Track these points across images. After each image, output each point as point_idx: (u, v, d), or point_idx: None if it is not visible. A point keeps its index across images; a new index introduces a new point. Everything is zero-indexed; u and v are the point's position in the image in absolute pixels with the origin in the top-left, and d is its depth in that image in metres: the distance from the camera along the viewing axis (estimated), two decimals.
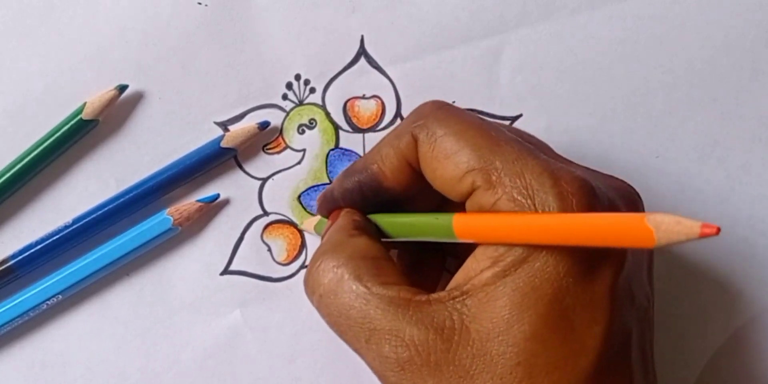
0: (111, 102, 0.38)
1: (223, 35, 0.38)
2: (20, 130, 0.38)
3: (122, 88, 0.38)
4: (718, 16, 0.39)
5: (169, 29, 0.38)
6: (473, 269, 0.28)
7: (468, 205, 0.29)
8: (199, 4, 0.38)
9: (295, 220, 0.39)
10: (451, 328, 0.28)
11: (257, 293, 0.38)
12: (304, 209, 0.39)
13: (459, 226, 0.29)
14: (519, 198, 0.27)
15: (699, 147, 0.39)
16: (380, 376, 0.29)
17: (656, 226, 0.23)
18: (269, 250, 0.39)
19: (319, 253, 0.31)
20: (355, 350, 0.30)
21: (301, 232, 0.39)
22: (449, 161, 0.29)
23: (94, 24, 0.38)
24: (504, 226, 0.27)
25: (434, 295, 0.28)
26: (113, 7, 0.38)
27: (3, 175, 0.37)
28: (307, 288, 0.31)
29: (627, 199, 0.31)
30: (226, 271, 0.38)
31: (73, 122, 0.37)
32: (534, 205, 0.27)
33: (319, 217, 0.37)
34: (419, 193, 0.32)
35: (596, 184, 0.28)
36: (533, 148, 0.29)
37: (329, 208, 0.34)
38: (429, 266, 0.37)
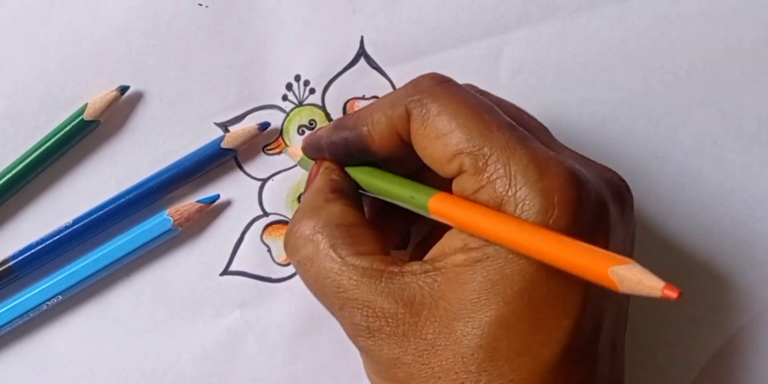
0: (112, 103, 0.38)
1: (223, 36, 0.39)
2: (21, 130, 0.38)
3: (123, 89, 0.38)
4: (718, 17, 0.39)
5: (170, 30, 0.38)
6: (448, 246, 0.29)
7: (453, 185, 0.29)
8: (200, 5, 0.38)
9: None
10: (421, 302, 0.28)
11: (257, 294, 0.38)
12: None
13: (435, 210, 0.29)
14: (500, 190, 0.27)
15: (699, 147, 0.39)
16: (352, 340, 0.30)
17: (620, 280, 0.24)
18: (269, 250, 0.39)
19: (298, 217, 0.31)
20: (330, 313, 0.31)
21: None
22: (439, 141, 0.29)
23: (95, 25, 0.38)
24: (476, 223, 0.27)
25: (407, 267, 0.29)
26: (114, 7, 0.38)
27: (4, 175, 0.37)
28: (287, 251, 0.32)
29: (615, 193, 0.30)
30: (225, 272, 0.38)
31: (74, 123, 0.37)
32: (515, 198, 0.27)
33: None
34: (405, 157, 0.32)
35: (585, 175, 0.28)
36: (526, 134, 0.29)
37: (314, 154, 0.35)
38: (397, 218, 0.36)
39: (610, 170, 0.32)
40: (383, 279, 0.29)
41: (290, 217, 0.39)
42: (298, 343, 0.38)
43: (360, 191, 0.33)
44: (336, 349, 0.38)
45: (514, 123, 0.29)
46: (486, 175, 0.28)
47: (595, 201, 0.28)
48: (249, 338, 0.38)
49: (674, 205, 0.39)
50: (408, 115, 0.30)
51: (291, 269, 0.39)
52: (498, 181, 0.27)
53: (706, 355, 0.39)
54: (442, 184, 0.30)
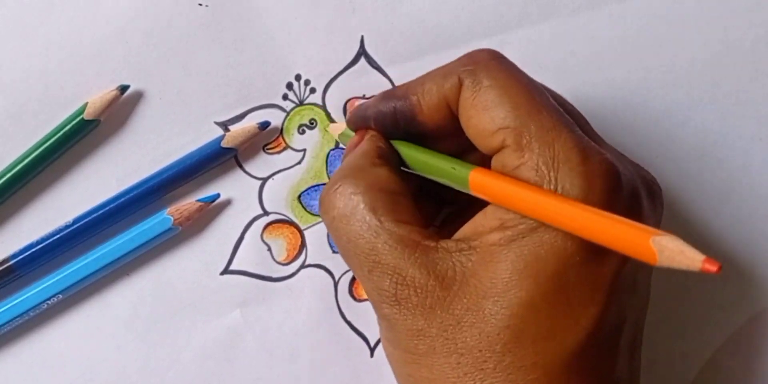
0: (112, 102, 0.38)
1: (223, 36, 0.39)
2: (21, 130, 0.38)
3: (123, 89, 0.38)
4: (718, 16, 0.39)
5: (170, 30, 0.38)
6: (482, 225, 0.29)
7: (493, 160, 0.29)
8: (200, 4, 0.38)
9: (295, 220, 0.39)
10: (452, 278, 0.28)
11: (257, 293, 0.38)
12: (304, 209, 0.39)
13: (475, 183, 0.29)
14: (543, 168, 0.27)
15: (699, 147, 0.39)
16: (375, 306, 0.30)
17: (660, 250, 0.23)
18: (269, 249, 0.39)
19: (340, 176, 0.31)
20: (357, 276, 0.30)
21: (301, 231, 0.39)
22: (486, 113, 0.29)
23: (95, 24, 0.38)
24: (517, 196, 0.27)
25: (443, 243, 0.29)
26: (114, 7, 0.38)
27: (4, 174, 0.37)
28: (322, 207, 0.31)
29: (649, 190, 0.31)
30: (226, 271, 0.38)
31: (74, 122, 0.37)
32: (556, 179, 0.27)
33: (345, 125, 0.36)
34: (450, 135, 0.32)
35: (623, 169, 0.28)
36: (572, 121, 0.29)
37: (359, 124, 0.34)
38: (429, 202, 0.37)
39: (643, 168, 0.32)
40: (418, 250, 0.29)
41: (290, 216, 0.39)
42: (297, 343, 0.38)
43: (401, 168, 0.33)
44: (336, 349, 0.38)
45: (560, 109, 0.29)
46: (529, 152, 0.28)
47: (631, 193, 0.28)
48: (249, 338, 0.38)
49: (674, 205, 0.39)
50: (459, 86, 0.30)
51: (291, 268, 0.39)
52: (540, 159, 0.27)
53: (707, 354, 0.39)
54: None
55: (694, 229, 0.39)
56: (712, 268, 0.22)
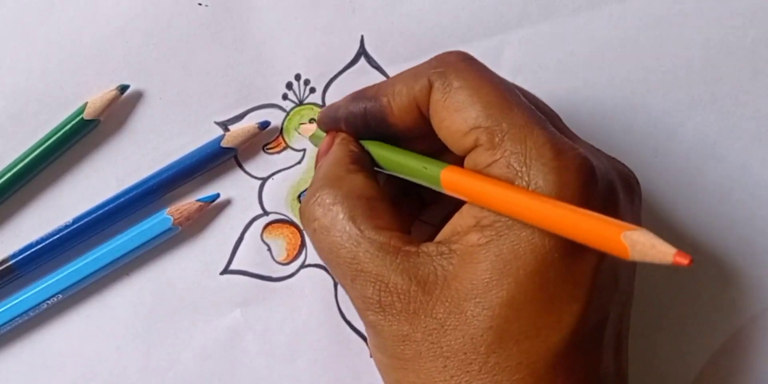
0: (112, 102, 0.38)
1: (223, 35, 0.39)
2: (21, 129, 0.38)
3: (123, 88, 0.38)
4: (718, 16, 0.39)
5: (170, 29, 0.38)
6: (460, 225, 0.29)
7: (466, 160, 0.29)
8: (200, 4, 0.38)
9: (295, 219, 0.39)
10: (434, 282, 0.28)
11: (257, 293, 0.38)
12: None
13: (447, 181, 0.29)
14: (515, 165, 0.27)
15: (699, 147, 0.39)
16: (361, 313, 0.30)
17: (632, 244, 0.23)
18: (269, 249, 0.39)
19: (317, 186, 0.31)
20: (341, 285, 0.31)
21: (300, 231, 0.39)
22: (458, 114, 0.29)
23: (95, 24, 0.38)
24: (489, 193, 0.27)
25: (423, 248, 0.29)
26: (114, 7, 0.38)
27: (4, 174, 0.37)
28: (303, 220, 0.32)
29: (626, 183, 0.31)
30: (226, 271, 0.38)
31: (74, 122, 0.37)
32: (529, 175, 0.27)
33: (315, 126, 0.36)
34: (421, 136, 0.32)
35: (597, 163, 0.28)
36: (544, 118, 0.29)
37: (330, 125, 0.35)
38: (410, 201, 0.37)
39: (620, 162, 0.32)
40: (399, 256, 0.29)
41: (290, 216, 0.39)
42: (298, 343, 0.38)
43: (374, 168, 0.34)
44: (336, 349, 0.38)
45: (532, 106, 0.29)
46: (501, 150, 0.28)
47: (606, 187, 0.28)
48: (249, 338, 0.38)
49: (674, 205, 0.39)
50: (429, 88, 0.30)
51: (291, 268, 0.39)
52: (513, 157, 0.28)
53: (707, 355, 0.39)
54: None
55: (694, 229, 0.39)
56: (684, 261, 0.22)
